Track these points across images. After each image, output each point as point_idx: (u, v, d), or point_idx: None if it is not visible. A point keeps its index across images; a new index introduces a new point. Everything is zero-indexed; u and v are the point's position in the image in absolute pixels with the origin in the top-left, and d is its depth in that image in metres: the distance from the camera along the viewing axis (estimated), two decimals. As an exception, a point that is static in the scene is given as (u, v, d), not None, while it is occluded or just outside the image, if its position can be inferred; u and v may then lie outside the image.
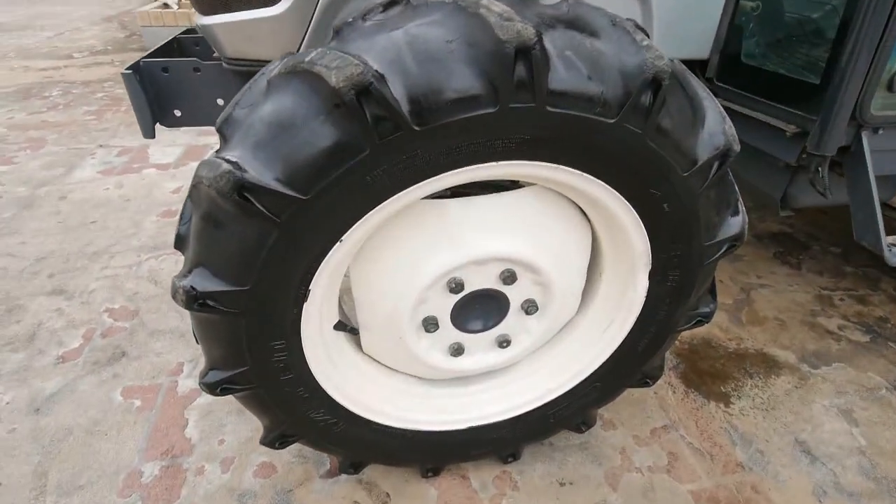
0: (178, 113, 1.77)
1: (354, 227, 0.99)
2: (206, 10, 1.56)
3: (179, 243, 1.09)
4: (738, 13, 1.71)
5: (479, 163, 0.97)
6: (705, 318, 1.40)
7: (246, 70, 1.59)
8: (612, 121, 0.94)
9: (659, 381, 2.08)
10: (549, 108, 0.89)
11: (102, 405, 1.88)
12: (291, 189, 0.89)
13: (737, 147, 1.06)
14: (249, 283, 0.98)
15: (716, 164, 1.07)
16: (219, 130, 0.97)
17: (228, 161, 0.89)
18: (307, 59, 0.86)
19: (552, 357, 1.53)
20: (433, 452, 1.55)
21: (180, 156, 3.88)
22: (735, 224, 1.20)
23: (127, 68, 1.58)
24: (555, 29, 0.90)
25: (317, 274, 1.04)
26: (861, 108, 1.46)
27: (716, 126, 1.05)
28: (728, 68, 1.78)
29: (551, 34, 0.89)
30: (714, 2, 1.66)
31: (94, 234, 2.91)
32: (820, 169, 1.62)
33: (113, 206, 3.19)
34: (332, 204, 0.93)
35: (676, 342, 2.27)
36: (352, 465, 1.56)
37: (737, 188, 1.21)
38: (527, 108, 0.89)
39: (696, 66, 1.87)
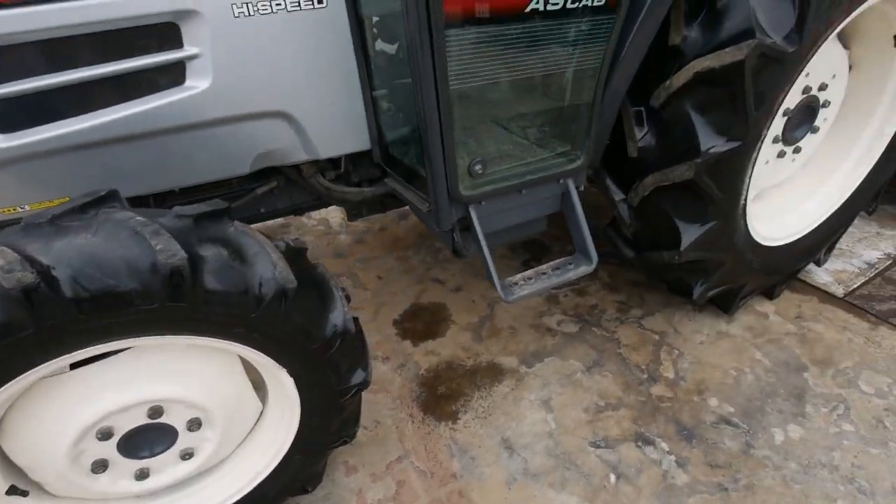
0: None
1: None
2: None
3: None
4: (379, 113, 2.07)
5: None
6: (349, 438, 1.86)
7: None
8: (156, 305, 1.20)
9: (400, 414, 2.44)
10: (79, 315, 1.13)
11: None
12: None
13: (291, 286, 1.37)
14: None
15: (282, 301, 1.37)
16: None
17: None
18: None
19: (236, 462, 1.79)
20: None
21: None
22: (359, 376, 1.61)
23: None
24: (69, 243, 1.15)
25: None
26: (453, 191, 1.87)
27: (267, 273, 1.34)
28: (384, 157, 2.15)
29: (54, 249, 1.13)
30: (352, 105, 1.97)
31: None
32: (455, 235, 2.05)
33: None
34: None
35: (422, 371, 2.65)
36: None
37: (365, 343, 1.60)
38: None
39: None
